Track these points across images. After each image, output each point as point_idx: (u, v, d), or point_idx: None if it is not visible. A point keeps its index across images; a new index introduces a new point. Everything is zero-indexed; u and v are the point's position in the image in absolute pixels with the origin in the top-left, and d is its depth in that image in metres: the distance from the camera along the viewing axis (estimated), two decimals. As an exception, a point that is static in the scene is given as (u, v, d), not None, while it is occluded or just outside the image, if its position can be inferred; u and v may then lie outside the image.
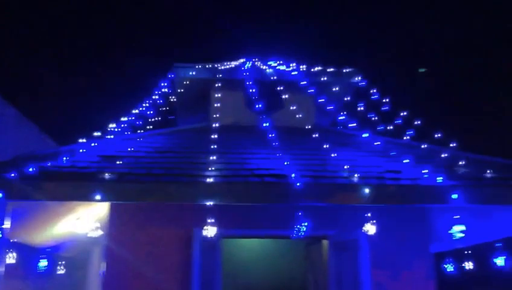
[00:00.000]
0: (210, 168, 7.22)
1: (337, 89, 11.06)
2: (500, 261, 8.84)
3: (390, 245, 8.62)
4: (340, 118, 9.52)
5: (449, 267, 11.56)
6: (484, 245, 10.74)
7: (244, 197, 6.80)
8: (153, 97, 10.81)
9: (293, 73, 11.03)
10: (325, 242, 9.32)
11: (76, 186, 6.60)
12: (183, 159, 7.86)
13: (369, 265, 8.22)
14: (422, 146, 8.95)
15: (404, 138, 9.14)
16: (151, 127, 10.47)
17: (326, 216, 8.16)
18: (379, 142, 8.50)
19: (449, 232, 7.22)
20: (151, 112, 10.65)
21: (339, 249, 8.70)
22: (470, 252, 11.20)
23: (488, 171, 7.51)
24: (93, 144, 8.10)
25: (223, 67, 11.45)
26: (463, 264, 11.26)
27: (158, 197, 6.75)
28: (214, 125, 9.24)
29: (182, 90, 11.39)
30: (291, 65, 11.72)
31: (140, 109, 10.23)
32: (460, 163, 7.97)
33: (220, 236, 7.94)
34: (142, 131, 10.14)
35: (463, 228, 7.02)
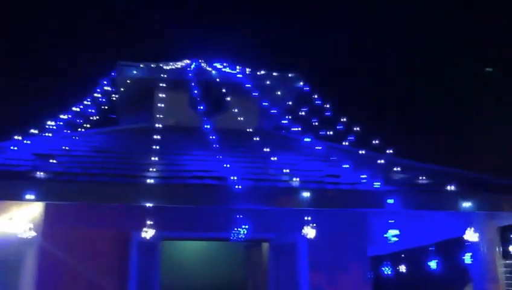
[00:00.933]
0: (150, 169, 7.10)
1: (280, 93, 11.17)
2: (433, 264, 9.19)
3: (328, 248, 8.74)
4: (283, 121, 9.60)
5: (386, 270, 11.86)
6: (419, 249, 11.12)
7: (184, 199, 6.73)
8: (95, 95, 10.56)
9: (237, 76, 11.05)
10: (265, 245, 9.36)
11: (7, 185, 6.33)
12: (122, 160, 7.70)
13: (307, 268, 8.31)
14: (361, 152, 9.16)
15: (344, 143, 9.33)
16: (90, 125, 10.20)
17: (266, 219, 8.19)
18: (320, 147, 8.64)
19: (384, 236, 7.42)
20: (92, 111, 10.39)
21: (278, 253, 8.75)
22: (404, 255, 11.55)
23: (422, 177, 7.77)
24: (26, 142, 7.80)
25: (168, 68, 11.32)
26: (399, 268, 11.60)
27: (94, 197, 6.57)
28: (156, 125, 9.11)
29: (125, 89, 11.18)
30: (236, 68, 11.74)
31: (81, 107, 9.96)
32: (396, 169, 8.21)
33: (159, 238, 7.81)
34: (81, 130, 9.86)
35: (397, 232, 7.23)
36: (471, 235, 7.43)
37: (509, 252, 8.22)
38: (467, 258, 8.24)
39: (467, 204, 7.22)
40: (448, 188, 7.35)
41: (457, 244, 8.64)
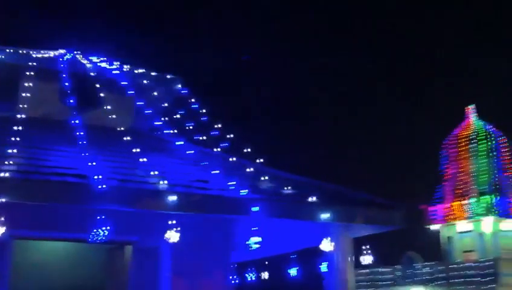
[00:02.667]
0: (6, 162, 6.60)
1: (158, 94, 10.99)
2: (293, 271, 9.57)
3: (192, 253, 8.72)
4: (157, 123, 9.46)
5: (250, 276, 12.13)
6: (281, 256, 11.52)
7: (40, 196, 6.34)
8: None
9: (114, 72, 10.69)
10: (128, 248, 9.10)
11: None
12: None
13: (169, 272, 8.22)
14: (233, 159, 9.29)
15: (217, 149, 9.40)
16: None
17: (130, 221, 7.95)
18: (192, 151, 8.62)
19: (247, 243, 7.57)
20: None
21: (141, 256, 8.55)
22: (268, 262, 11.91)
23: (287, 188, 8.07)
24: None
25: (39, 56, 10.64)
26: (262, 274, 11.93)
27: None
28: (19, 116, 8.50)
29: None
30: (114, 64, 11.35)
31: None
32: (263, 178, 8.44)
33: (10, 237, 7.26)
34: None
35: (259, 239, 7.42)
36: (327, 245, 7.85)
37: (361, 262, 8.80)
38: (323, 266, 8.70)
39: (325, 215, 7.63)
40: (310, 199, 7.71)
41: (316, 252, 9.08)
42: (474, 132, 33.45)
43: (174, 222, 7.54)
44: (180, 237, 7.55)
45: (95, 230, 6.48)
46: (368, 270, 30.89)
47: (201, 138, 9.42)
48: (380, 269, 32.03)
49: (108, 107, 9.67)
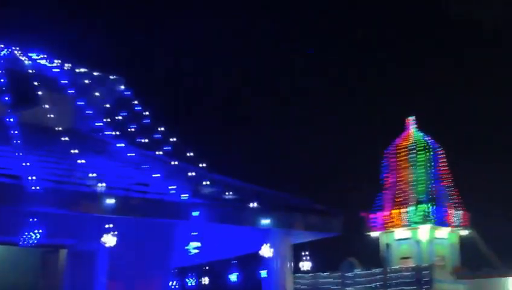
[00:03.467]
0: None
1: (99, 94, 10.72)
2: (233, 277, 9.55)
3: (130, 258, 8.54)
4: (98, 124, 9.23)
5: (191, 282, 12.02)
6: (222, 262, 11.48)
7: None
8: None
9: (54, 70, 10.36)
10: (63, 252, 8.81)
11: None
12: None
13: (105, 278, 8.02)
14: (175, 162, 9.18)
15: (159, 152, 9.28)
16: None
17: (65, 224, 7.69)
18: (133, 154, 8.46)
19: (186, 247, 7.49)
20: None
21: (76, 260, 8.30)
22: (209, 268, 11.83)
23: (229, 193, 8.05)
24: None
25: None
26: (203, 279, 11.84)
27: None
28: None
29: None
30: (55, 61, 11.01)
31: None
32: (205, 183, 8.39)
33: None
34: None
35: (198, 244, 7.36)
36: (266, 251, 7.89)
37: (300, 268, 8.89)
38: (263, 272, 8.73)
39: (265, 221, 7.66)
40: (251, 204, 7.72)
41: (256, 258, 9.10)
42: (413, 143, 34.68)
43: (111, 225, 7.37)
44: (117, 241, 7.38)
45: (26, 233, 6.22)
46: (309, 275, 31.32)
47: (143, 141, 9.26)
48: (321, 275, 32.55)
49: (47, 106, 9.35)
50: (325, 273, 32.47)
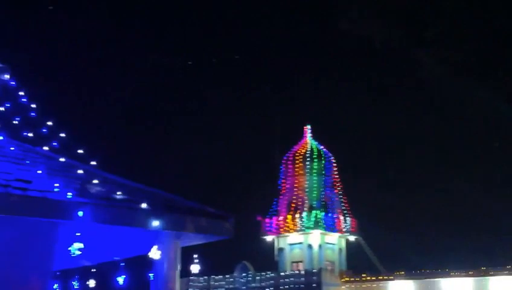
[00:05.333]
0: None
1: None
2: (120, 280, 9.26)
3: (7, 259, 7.97)
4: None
5: (75, 285, 11.53)
6: (110, 264, 11.10)
7: None
8: None
9: None
10: None
11: None
12: None
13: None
14: (62, 159, 8.71)
15: (45, 147, 8.76)
16: None
17: None
18: (13, 148, 7.92)
19: (69, 249, 7.14)
20: None
21: None
22: (96, 270, 11.39)
23: (119, 193, 7.78)
24: None
25: None
26: (89, 282, 11.37)
27: None
28: None
29: None
30: None
31: None
32: (95, 181, 8.04)
33: None
34: None
35: (81, 245, 7.04)
36: (155, 253, 7.73)
37: (189, 271, 8.80)
38: (151, 275, 8.54)
39: (155, 223, 7.50)
40: (140, 205, 7.52)
41: (145, 261, 8.89)
42: (309, 151, 36.02)
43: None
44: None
45: None
46: (202, 278, 31.27)
47: (28, 135, 8.70)
48: (214, 278, 32.64)
49: None
50: (219, 277, 32.61)
